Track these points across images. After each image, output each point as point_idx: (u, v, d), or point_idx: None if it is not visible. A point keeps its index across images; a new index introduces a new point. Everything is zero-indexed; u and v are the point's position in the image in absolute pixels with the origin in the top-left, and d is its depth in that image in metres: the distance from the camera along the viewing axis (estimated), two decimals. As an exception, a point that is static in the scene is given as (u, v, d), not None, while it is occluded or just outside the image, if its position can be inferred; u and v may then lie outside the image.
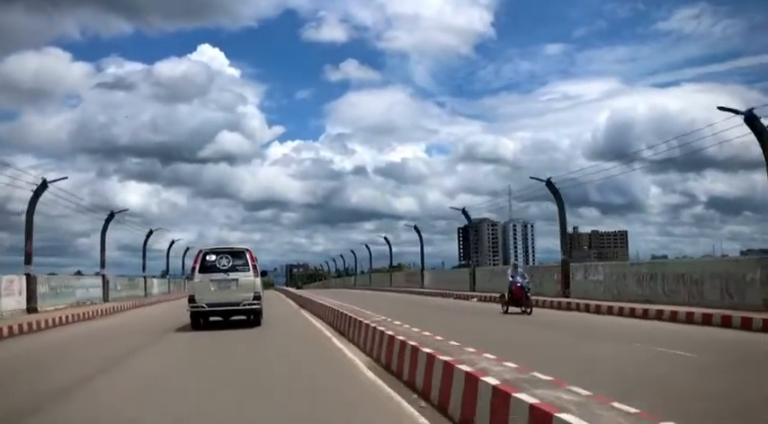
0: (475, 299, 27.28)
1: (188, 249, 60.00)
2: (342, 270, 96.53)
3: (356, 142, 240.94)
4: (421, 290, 39.12)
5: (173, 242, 51.27)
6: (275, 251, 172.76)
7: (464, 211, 35.94)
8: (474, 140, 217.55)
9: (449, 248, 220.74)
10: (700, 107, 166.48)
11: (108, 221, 30.21)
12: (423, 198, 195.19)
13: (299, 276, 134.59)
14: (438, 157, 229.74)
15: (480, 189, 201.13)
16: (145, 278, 40.56)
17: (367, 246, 61.98)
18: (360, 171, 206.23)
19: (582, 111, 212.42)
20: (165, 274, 67.77)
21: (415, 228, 43.59)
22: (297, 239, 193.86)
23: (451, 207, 40.18)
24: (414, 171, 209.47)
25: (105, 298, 29.26)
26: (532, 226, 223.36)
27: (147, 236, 41.47)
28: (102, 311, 23.76)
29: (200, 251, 15.37)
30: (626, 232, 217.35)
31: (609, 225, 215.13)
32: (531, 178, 25.09)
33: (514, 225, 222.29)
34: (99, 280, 29.22)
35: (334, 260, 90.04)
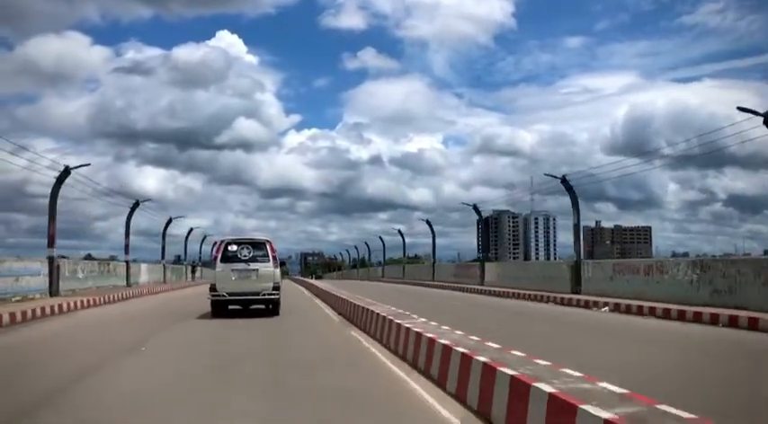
0: (605, 309, 17.61)
1: (191, 230, 51.72)
2: (358, 260, 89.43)
3: (373, 132, 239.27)
4: (484, 288, 29.54)
5: (170, 221, 42.02)
6: (289, 239, 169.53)
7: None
8: (491, 132, 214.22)
9: (464, 241, 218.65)
10: (719, 103, 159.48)
11: (60, 181, 20.82)
12: (438, 189, 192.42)
13: (314, 264, 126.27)
14: (454, 149, 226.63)
15: (497, 182, 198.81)
16: (127, 262, 31.27)
17: (400, 232, 52.42)
18: (376, 160, 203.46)
19: (601, 105, 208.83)
20: (179, 260, 59.56)
21: (475, 208, 33.91)
22: (311, 227, 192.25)
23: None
24: (430, 162, 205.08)
25: (53, 291, 19.99)
26: (554, 220, 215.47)
27: (132, 210, 32.15)
28: (22, 315, 14.43)
29: (222, 241, 15.48)
30: (649, 227, 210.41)
31: (627, 221, 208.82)
32: (741, 110, 15.14)
33: (536, 218, 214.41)
34: (42, 266, 19.84)
35: (356, 248, 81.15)
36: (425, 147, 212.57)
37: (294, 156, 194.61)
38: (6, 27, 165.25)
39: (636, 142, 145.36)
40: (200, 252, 63.90)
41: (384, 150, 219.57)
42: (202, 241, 62.02)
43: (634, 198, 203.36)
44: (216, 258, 15.17)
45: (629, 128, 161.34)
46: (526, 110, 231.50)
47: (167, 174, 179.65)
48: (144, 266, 35.66)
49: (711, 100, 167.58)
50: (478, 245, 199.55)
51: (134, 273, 32.41)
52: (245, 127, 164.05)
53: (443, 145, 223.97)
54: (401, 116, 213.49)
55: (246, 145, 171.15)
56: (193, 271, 51.25)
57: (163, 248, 41.80)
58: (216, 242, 17.37)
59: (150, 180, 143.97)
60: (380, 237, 58.74)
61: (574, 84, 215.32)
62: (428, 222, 43.44)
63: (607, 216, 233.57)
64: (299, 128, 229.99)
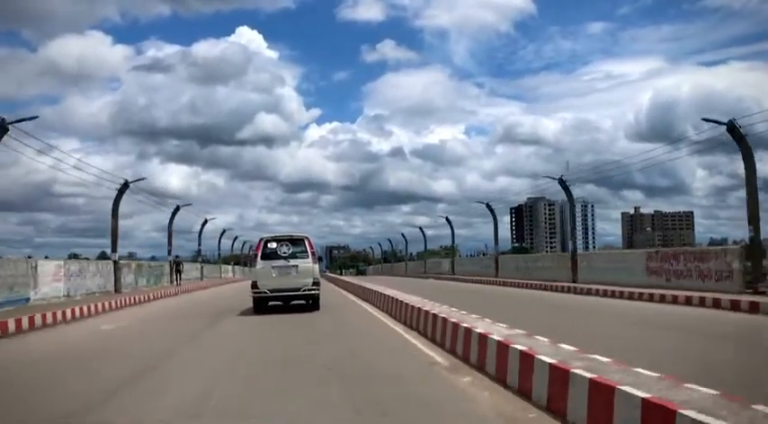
0: None
1: (177, 209, 36.21)
2: (389, 253, 78.80)
3: (394, 124, 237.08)
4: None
5: (125, 186, 24.92)
6: (313, 233, 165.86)
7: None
8: (514, 121, 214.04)
9: (489, 231, 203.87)
10: (747, 85, 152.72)
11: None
12: (461, 180, 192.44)
13: (341, 259, 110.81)
14: (477, 139, 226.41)
15: (520, 172, 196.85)
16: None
17: (493, 211, 34.90)
18: (397, 152, 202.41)
19: (625, 91, 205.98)
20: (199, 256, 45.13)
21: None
22: (334, 221, 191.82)
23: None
24: (452, 153, 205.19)
25: None
26: (593, 207, 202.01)
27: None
28: None
29: (262, 239, 15.70)
30: (691, 212, 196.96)
31: (656, 207, 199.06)
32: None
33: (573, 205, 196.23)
34: None
35: (390, 241, 67.03)
36: (447, 138, 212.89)
37: (315, 150, 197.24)
38: (29, 28, 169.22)
39: (661, 127, 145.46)
40: (200, 243, 48.52)
41: (405, 142, 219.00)
42: (202, 226, 46.13)
43: (661, 185, 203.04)
44: (256, 255, 15.39)
45: (654, 114, 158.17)
46: (549, 98, 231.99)
47: (190, 171, 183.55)
48: (51, 265, 18.12)
49: (738, 82, 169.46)
50: (512, 236, 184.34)
51: (21, 280, 15.20)
52: (267, 122, 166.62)
53: (465, 135, 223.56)
54: (422, 107, 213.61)
55: (268, 140, 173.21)
56: (178, 271, 33.85)
57: (113, 231, 24.61)
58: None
59: (174, 176, 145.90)
60: (447, 218, 41.02)
61: (597, 71, 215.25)
62: (554, 185, 25.82)
63: (634, 203, 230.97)
64: (320, 121, 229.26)
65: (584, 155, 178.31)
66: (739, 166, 16.16)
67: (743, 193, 16.19)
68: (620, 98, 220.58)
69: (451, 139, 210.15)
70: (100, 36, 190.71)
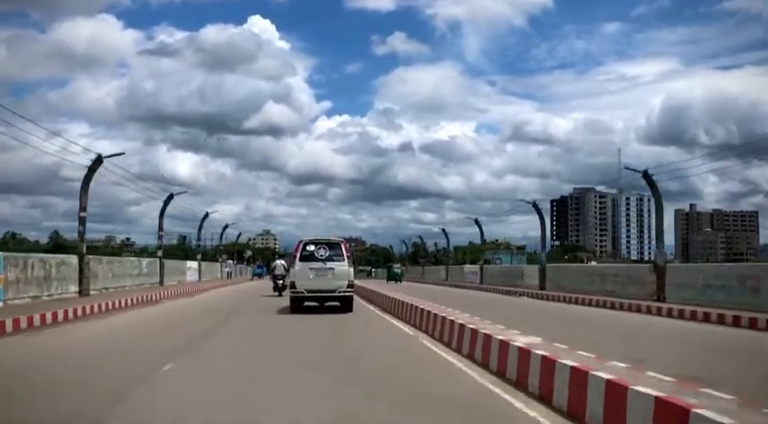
0: None
1: (171, 196, 42.34)
2: (419, 247, 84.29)
3: (404, 118, 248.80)
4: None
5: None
6: (320, 226, 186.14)
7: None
8: (525, 120, 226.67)
9: (502, 230, 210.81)
10: (762, 90, 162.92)
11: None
12: (470, 177, 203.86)
13: (357, 254, 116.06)
14: (487, 136, 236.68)
15: (530, 171, 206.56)
16: None
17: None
18: (406, 148, 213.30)
19: (638, 93, 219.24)
20: (184, 242, 49.87)
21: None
22: (342, 215, 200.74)
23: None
24: (461, 149, 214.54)
25: None
26: (650, 201, 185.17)
27: None
28: None
29: (301, 242, 17.51)
30: (756, 212, 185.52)
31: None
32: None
33: (627, 198, 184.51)
34: None
35: (412, 240, 70.63)
36: (456, 135, 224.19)
37: (324, 142, 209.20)
38: (38, 10, 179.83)
39: (673, 131, 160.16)
40: (199, 238, 48.25)
41: (415, 137, 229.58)
42: (203, 220, 44.27)
43: (671, 190, 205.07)
44: (295, 257, 17.23)
45: (666, 117, 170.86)
46: (561, 97, 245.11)
47: (198, 159, 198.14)
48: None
49: (754, 87, 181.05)
50: (552, 234, 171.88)
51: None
52: (276, 112, 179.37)
53: (475, 132, 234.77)
54: (433, 103, 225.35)
55: (277, 131, 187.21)
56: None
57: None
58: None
59: (181, 164, 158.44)
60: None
61: (610, 72, 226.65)
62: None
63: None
64: (329, 114, 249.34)
65: (596, 156, 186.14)
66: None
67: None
68: (632, 100, 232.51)
69: (461, 136, 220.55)
70: (110, 20, 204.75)
